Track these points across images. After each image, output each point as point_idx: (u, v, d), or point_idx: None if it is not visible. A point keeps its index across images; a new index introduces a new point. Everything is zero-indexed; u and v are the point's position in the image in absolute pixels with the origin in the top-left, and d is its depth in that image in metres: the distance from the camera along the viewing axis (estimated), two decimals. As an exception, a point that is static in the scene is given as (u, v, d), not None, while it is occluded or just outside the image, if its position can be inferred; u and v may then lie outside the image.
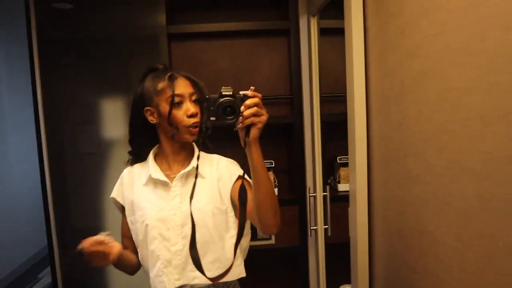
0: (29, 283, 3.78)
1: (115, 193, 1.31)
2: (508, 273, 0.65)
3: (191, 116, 1.18)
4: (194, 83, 1.22)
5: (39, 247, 4.23)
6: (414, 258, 1.00)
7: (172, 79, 1.19)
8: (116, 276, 2.16)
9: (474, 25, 0.71)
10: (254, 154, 1.00)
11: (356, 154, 1.27)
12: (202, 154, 1.28)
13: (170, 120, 1.18)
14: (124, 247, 1.26)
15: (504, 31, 0.63)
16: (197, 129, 1.20)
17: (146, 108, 1.22)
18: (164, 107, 1.18)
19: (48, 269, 2.35)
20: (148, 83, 1.22)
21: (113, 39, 2.13)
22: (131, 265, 1.29)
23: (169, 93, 1.17)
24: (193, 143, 1.30)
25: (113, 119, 2.15)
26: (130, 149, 1.33)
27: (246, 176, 1.09)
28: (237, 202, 1.18)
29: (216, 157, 1.31)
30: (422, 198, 0.94)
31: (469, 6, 0.72)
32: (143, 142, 1.29)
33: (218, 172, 1.25)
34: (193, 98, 1.20)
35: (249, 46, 2.36)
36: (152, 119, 1.22)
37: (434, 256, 0.90)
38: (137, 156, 1.32)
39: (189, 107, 1.18)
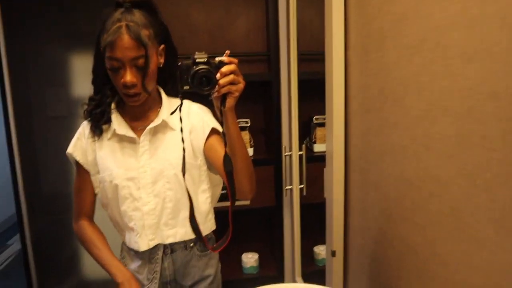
0: (-2, 250, 3.71)
1: (72, 148, 1.17)
2: (484, 210, 0.65)
3: (125, 86, 1.03)
4: (141, 44, 1.01)
5: (7, 214, 4.14)
6: (390, 206, 1.00)
7: (116, 34, 0.99)
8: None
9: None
10: (230, 123, 0.95)
11: (333, 103, 1.25)
12: (170, 100, 1.19)
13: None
14: (83, 201, 1.20)
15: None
16: (136, 98, 1.07)
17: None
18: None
19: (18, 236, 2.28)
20: (105, 26, 1.03)
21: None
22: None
23: (108, 52, 1.02)
24: (159, 87, 1.19)
25: (84, 79, 2.03)
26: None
27: (219, 129, 1.03)
28: (211, 159, 1.14)
29: (186, 103, 1.20)
30: (400, 145, 0.92)
31: None
32: (104, 86, 1.14)
33: (190, 122, 1.17)
34: (138, 63, 1.02)
35: (226, 0, 2.26)
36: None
37: (410, 202, 0.89)
38: (98, 104, 1.16)
39: (125, 75, 1.02)
